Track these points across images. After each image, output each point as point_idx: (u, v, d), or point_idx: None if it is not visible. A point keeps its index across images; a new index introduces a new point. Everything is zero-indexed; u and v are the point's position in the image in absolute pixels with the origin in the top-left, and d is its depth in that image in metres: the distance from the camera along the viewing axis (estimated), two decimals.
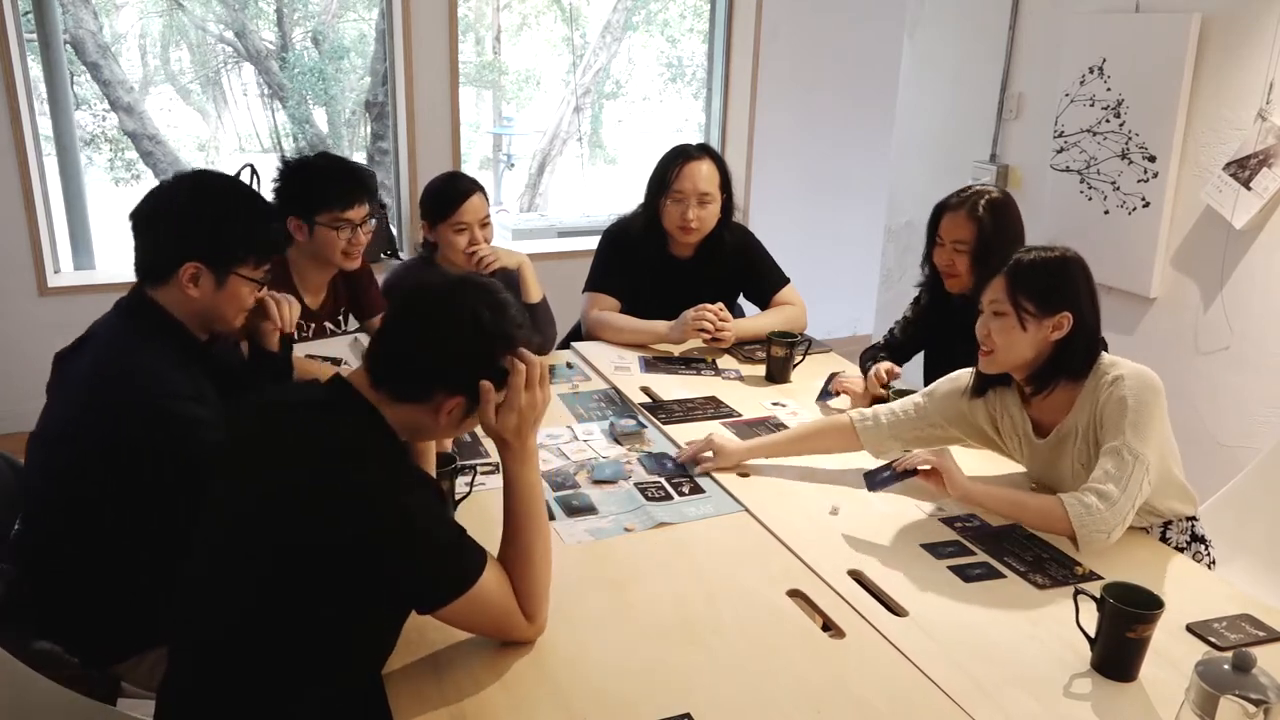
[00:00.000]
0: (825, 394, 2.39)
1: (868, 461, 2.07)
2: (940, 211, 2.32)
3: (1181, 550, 1.82)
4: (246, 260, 1.65)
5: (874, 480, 1.83)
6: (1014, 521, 1.79)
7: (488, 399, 1.34)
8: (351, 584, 1.20)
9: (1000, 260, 2.19)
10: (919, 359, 2.59)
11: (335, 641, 1.24)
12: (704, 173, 2.67)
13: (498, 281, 1.40)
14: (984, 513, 1.84)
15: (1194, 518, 1.86)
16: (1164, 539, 1.84)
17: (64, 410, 1.64)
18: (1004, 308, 1.77)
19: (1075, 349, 1.77)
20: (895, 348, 2.54)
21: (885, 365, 2.32)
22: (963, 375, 1.97)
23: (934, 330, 2.49)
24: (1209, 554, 1.86)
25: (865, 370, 2.44)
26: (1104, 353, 1.80)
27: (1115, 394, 1.71)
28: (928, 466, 1.77)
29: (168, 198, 1.64)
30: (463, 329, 1.30)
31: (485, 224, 2.55)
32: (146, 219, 1.64)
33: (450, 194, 2.52)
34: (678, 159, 2.70)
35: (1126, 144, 3.21)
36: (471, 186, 2.54)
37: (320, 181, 2.23)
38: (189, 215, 1.62)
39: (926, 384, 2.36)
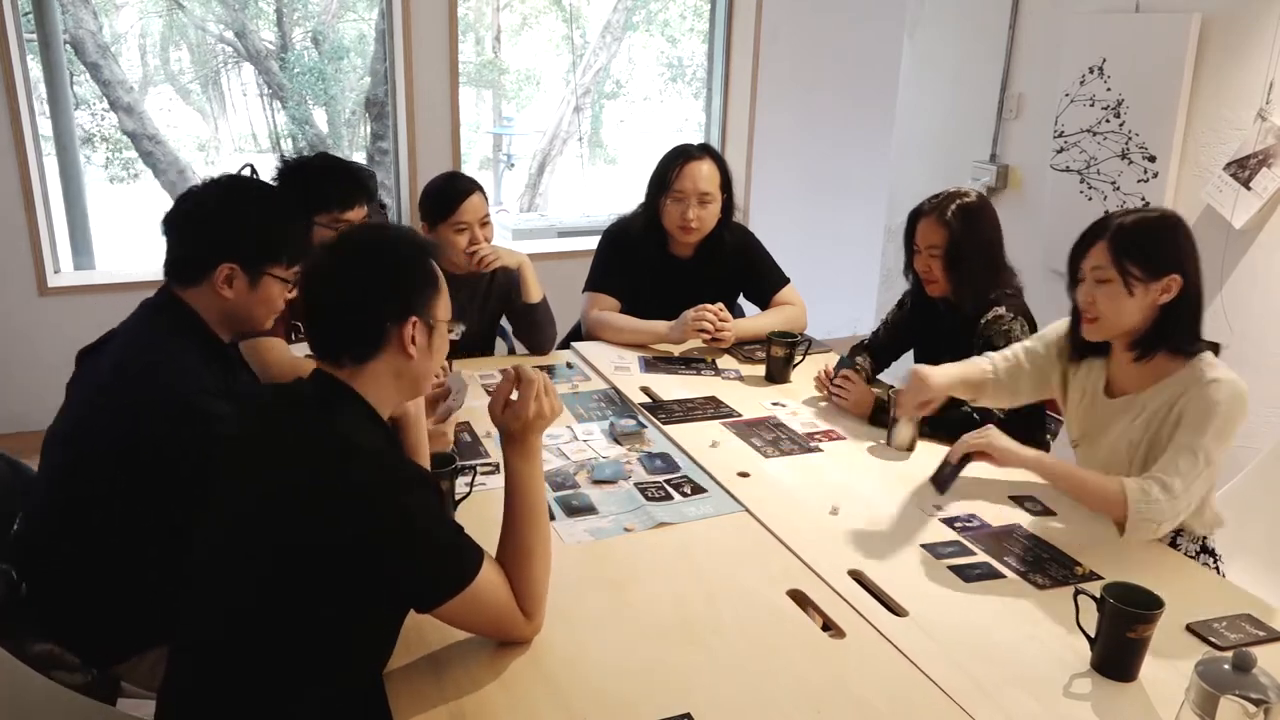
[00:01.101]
0: (842, 363, 2.41)
1: (867, 458, 2.07)
2: (915, 217, 2.31)
3: (1190, 558, 1.82)
4: (280, 260, 1.68)
5: (941, 484, 1.83)
6: (1066, 493, 1.77)
7: (501, 394, 1.38)
8: (351, 584, 1.20)
9: (972, 264, 2.21)
10: (908, 360, 2.58)
11: (335, 641, 1.24)
12: (704, 172, 2.67)
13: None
14: (984, 513, 1.84)
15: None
16: (1173, 544, 1.84)
17: (81, 407, 1.64)
18: (1108, 274, 1.72)
19: (1182, 315, 1.72)
20: (878, 348, 2.54)
21: (828, 367, 2.39)
22: (1060, 327, 1.96)
23: (920, 335, 2.48)
24: (1218, 569, 1.86)
25: (852, 366, 2.45)
26: (1211, 353, 1.76)
27: (1210, 396, 1.69)
28: (979, 449, 1.77)
29: (204, 200, 1.67)
30: (368, 259, 1.32)
31: (485, 223, 2.55)
32: (182, 220, 1.67)
33: (449, 194, 2.52)
34: (678, 159, 2.70)
35: (1126, 144, 3.21)
36: (470, 186, 2.54)
37: (319, 182, 2.24)
38: (226, 216, 1.65)
39: None
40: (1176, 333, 1.74)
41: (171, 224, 1.67)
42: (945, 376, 1.98)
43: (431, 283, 1.36)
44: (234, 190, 1.71)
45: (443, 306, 1.38)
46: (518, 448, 1.40)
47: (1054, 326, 2.00)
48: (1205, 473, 1.66)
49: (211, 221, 1.65)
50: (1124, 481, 1.67)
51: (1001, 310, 2.18)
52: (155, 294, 1.70)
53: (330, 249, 1.37)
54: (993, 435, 1.76)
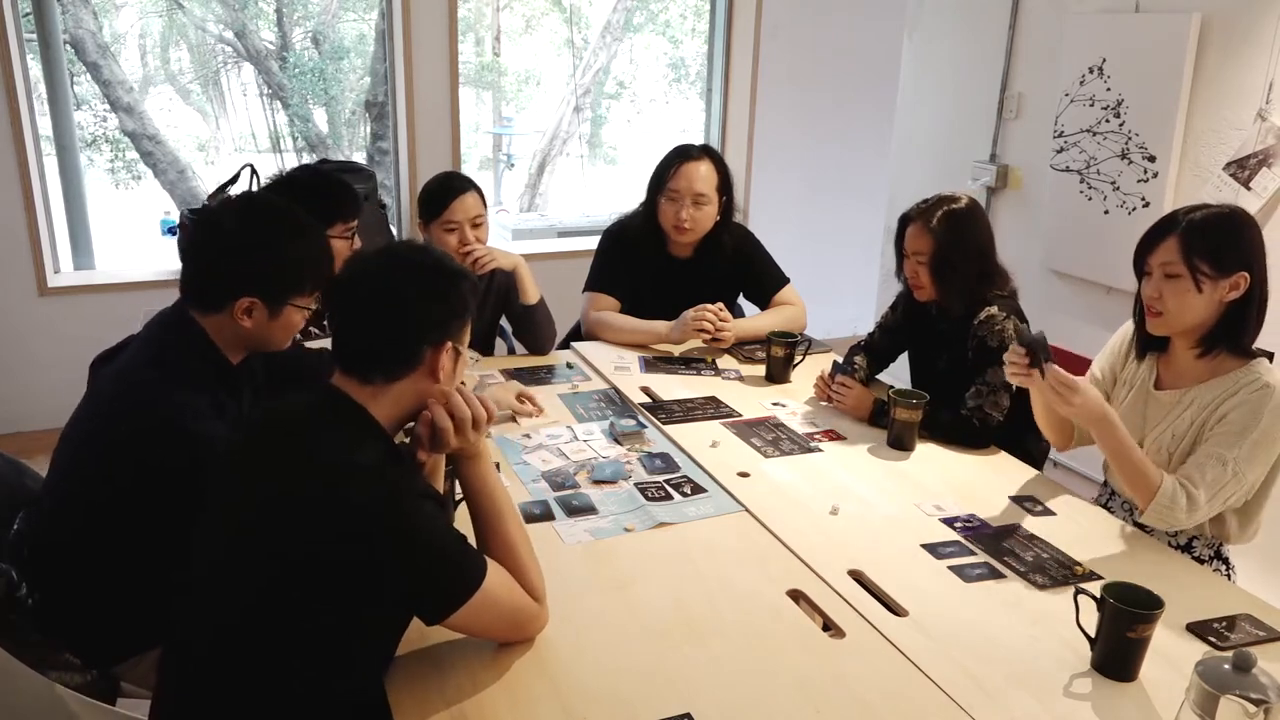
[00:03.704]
0: (838, 368, 2.41)
1: (867, 458, 2.07)
2: (904, 223, 2.29)
3: (1202, 562, 1.82)
4: (303, 290, 1.64)
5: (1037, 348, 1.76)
6: (1107, 452, 1.74)
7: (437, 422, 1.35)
8: (356, 597, 1.20)
9: (959, 272, 2.19)
10: (904, 361, 2.57)
11: (336, 649, 1.24)
12: (701, 173, 2.67)
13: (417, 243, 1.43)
14: (984, 513, 1.84)
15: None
16: (1188, 547, 1.85)
17: (92, 416, 1.64)
18: (1178, 270, 1.71)
19: (1247, 313, 1.72)
20: (875, 350, 2.54)
21: (825, 372, 2.38)
22: (1127, 329, 1.96)
23: (914, 339, 2.48)
24: (1229, 576, 1.86)
25: (851, 366, 2.45)
26: (1267, 360, 1.76)
27: (1255, 402, 1.69)
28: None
29: (221, 231, 1.62)
30: (420, 280, 1.32)
31: (478, 224, 2.53)
32: (199, 251, 1.63)
33: (441, 193, 2.51)
34: (677, 159, 2.70)
35: (1126, 144, 3.21)
36: (463, 186, 2.53)
37: (325, 194, 2.21)
38: (245, 251, 1.59)
39: (914, 386, 2.36)
40: (1241, 331, 1.74)
41: (189, 253, 1.63)
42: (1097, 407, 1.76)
43: (468, 309, 1.36)
44: (254, 220, 1.63)
45: (468, 333, 1.38)
46: (477, 458, 1.40)
47: (1108, 345, 2.01)
48: (1233, 484, 1.68)
49: (232, 255, 1.59)
50: (1164, 484, 1.68)
51: (994, 310, 2.18)
52: (171, 308, 1.66)
53: (377, 265, 1.35)
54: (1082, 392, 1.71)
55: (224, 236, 1.61)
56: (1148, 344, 1.89)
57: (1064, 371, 1.71)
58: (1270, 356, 1.79)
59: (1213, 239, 1.70)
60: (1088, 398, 1.71)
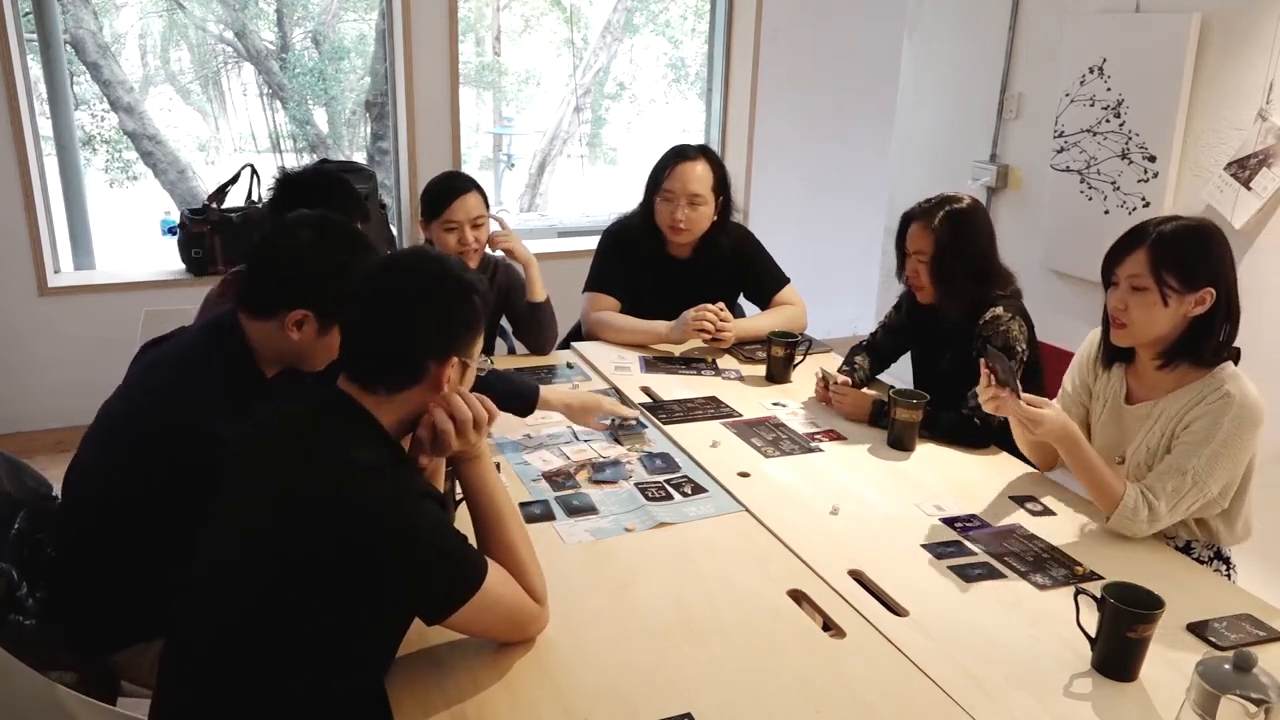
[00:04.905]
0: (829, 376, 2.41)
1: (867, 458, 2.07)
2: (906, 221, 2.29)
3: (1202, 563, 1.82)
4: None
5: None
6: (1072, 466, 1.78)
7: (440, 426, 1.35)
8: (358, 597, 1.20)
9: (959, 274, 2.19)
10: (906, 361, 2.57)
11: (337, 649, 1.24)
12: (696, 174, 2.67)
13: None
14: (984, 513, 1.84)
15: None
16: (1188, 549, 1.84)
17: (125, 409, 1.65)
18: (1145, 282, 1.72)
19: (1211, 328, 1.73)
20: (877, 349, 2.54)
21: (828, 373, 2.37)
22: (1093, 339, 1.97)
23: (917, 338, 2.48)
24: (1230, 576, 1.86)
25: (851, 366, 2.45)
26: (1232, 363, 1.77)
27: (1216, 411, 1.70)
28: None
29: (295, 239, 1.64)
30: (426, 294, 1.31)
31: (478, 225, 2.53)
32: (269, 255, 1.66)
33: (443, 193, 2.52)
34: (672, 159, 2.71)
35: (1126, 144, 3.21)
36: (466, 186, 2.53)
37: (333, 198, 2.20)
38: (312, 264, 1.62)
39: (916, 387, 2.36)
40: (1203, 345, 1.74)
41: (262, 256, 1.66)
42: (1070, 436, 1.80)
43: (477, 323, 1.36)
44: (327, 236, 1.66)
45: (479, 345, 1.38)
46: (477, 460, 1.40)
47: (1076, 357, 2.02)
48: (1194, 493, 1.71)
49: (298, 266, 1.62)
50: (1126, 495, 1.72)
51: (999, 310, 2.18)
52: (225, 311, 1.69)
53: (384, 275, 1.35)
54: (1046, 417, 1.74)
55: (302, 247, 1.64)
56: (1113, 354, 1.89)
57: (1027, 407, 1.73)
58: (1237, 355, 1.79)
59: (1182, 253, 1.71)
60: (1052, 424, 1.74)
